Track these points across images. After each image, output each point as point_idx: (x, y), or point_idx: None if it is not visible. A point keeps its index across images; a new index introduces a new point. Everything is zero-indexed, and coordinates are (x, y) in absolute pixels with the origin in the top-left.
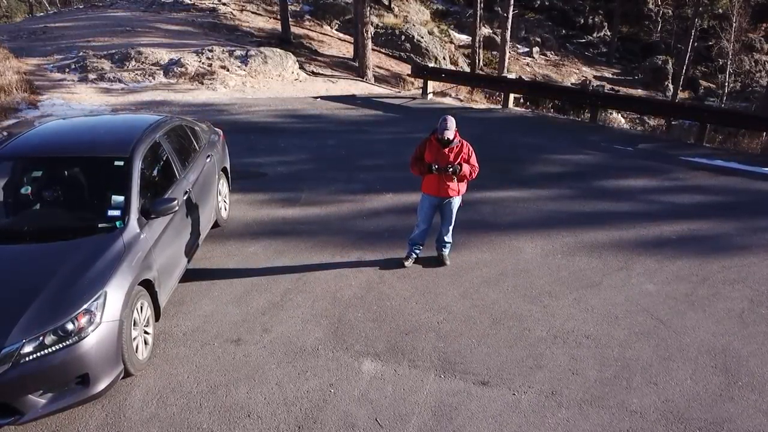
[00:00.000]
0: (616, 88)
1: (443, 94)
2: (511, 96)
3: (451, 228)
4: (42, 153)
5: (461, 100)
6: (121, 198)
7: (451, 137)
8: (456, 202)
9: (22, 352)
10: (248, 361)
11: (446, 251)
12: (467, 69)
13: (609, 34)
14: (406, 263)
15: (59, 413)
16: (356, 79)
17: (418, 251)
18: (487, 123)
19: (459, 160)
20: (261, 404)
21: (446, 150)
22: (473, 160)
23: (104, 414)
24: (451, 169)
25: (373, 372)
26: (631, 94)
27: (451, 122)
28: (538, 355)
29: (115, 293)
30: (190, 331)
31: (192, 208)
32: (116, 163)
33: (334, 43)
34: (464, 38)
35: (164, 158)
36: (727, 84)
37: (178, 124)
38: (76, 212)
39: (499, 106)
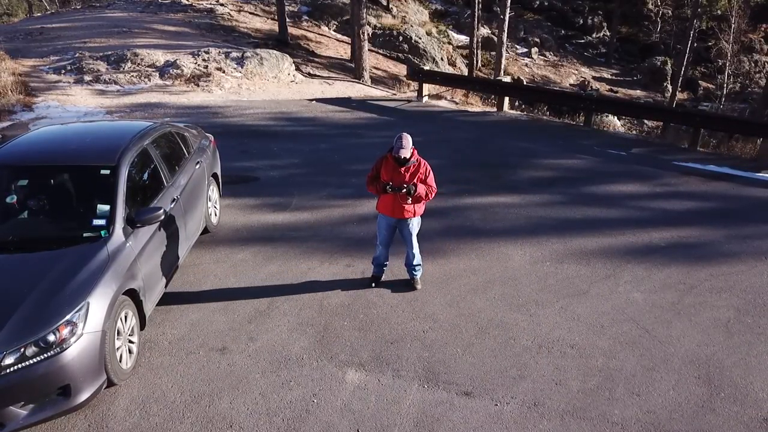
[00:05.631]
0: (615, 89)
1: (439, 96)
2: (506, 99)
3: (416, 251)
4: (28, 162)
5: (456, 103)
6: (106, 207)
7: (408, 156)
8: (413, 223)
9: (3, 363)
10: (233, 371)
11: (417, 275)
12: (465, 70)
13: (608, 34)
14: (372, 285)
15: (41, 424)
16: (353, 81)
17: (383, 269)
18: (481, 126)
19: (415, 179)
20: (243, 415)
21: (402, 169)
22: (430, 180)
23: (87, 424)
24: (405, 190)
25: (357, 382)
26: (625, 98)
27: (407, 140)
28: (522, 365)
29: (97, 304)
30: (176, 339)
31: (180, 216)
32: (102, 171)
33: (332, 44)
34: (463, 39)
35: (152, 166)
36: (725, 85)
37: (167, 131)
38: (61, 221)
39: (494, 109)
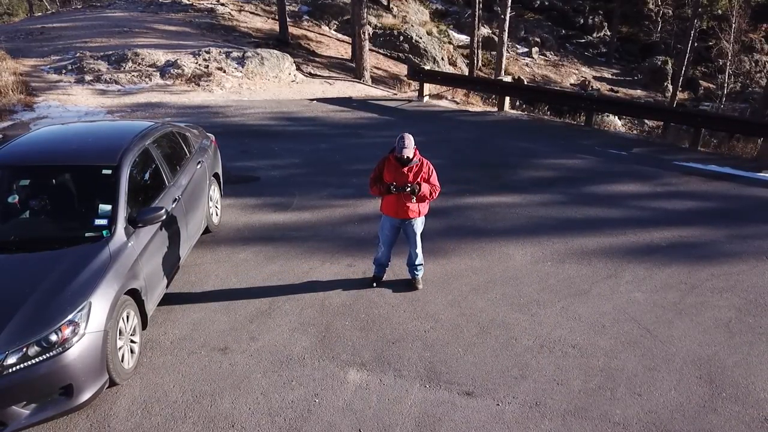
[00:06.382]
0: (615, 88)
1: (439, 96)
2: (507, 98)
3: (419, 251)
4: (29, 162)
5: (457, 103)
6: (108, 207)
7: (410, 156)
8: (417, 223)
9: (5, 363)
10: (234, 370)
11: (419, 274)
12: (466, 69)
13: (608, 34)
14: (374, 285)
15: (43, 424)
16: (353, 81)
17: (384, 269)
18: (482, 126)
19: (419, 179)
20: (245, 414)
21: (405, 169)
22: (434, 179)
23: (89, 424)
24: (409, 189)
25: (359, 382)
26: (625, 98)
27: (410, 140)
28: (523, 364)
29: (99, 304)
30: (178, 339)
31: (181, 216)
32: (104, 171)
33: (332, 43)
34: (463, 38)
35: (153, 166)
36: (726, 85)
37: (168, 131)
38: (62, 221)
39: (495, 109)
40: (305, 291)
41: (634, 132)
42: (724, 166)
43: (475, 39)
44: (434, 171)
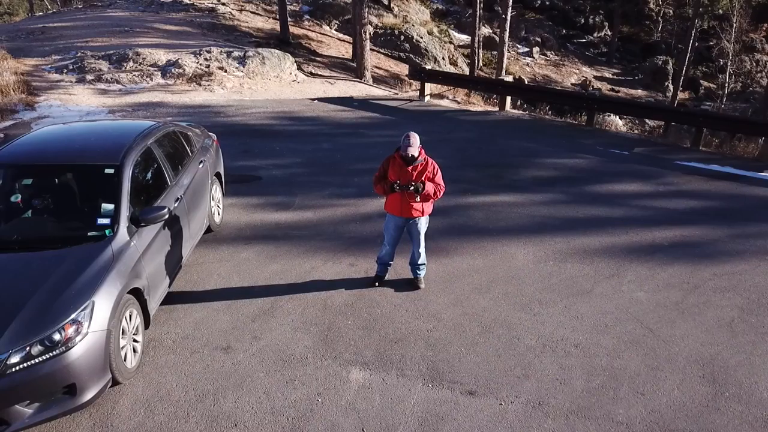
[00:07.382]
0: (616, 88)
1: (440, 96)
2: (508, 98)
3: (421, 250)
4: (32, 161)
5: (458, 102)
6: (110, 206)
7: (415, 154)
8: (422, 222)
9: (8, 362)
10: (237, 370)
11: (421, 274)
12: (467, 69)
13: (609, 34)
14: (376, 284)
15: (46, 423)
16: (354, 81)
17: (387, 268)
18: (483, 126)
19: (423, 178)
20: (248, 413)
21: (410, 168)
22: (438, 178)
23: (92, 423)
24: (412, 188)
25: (361, 381)
26: (626, 97)
27: (415, 139)
28: (526, 364)
29: (102, 303)
30: (180, 338)
31: (183, 215)
32: (106, 171)
33: (333, 43)
34: (464, 38)
35: (155, 165)
36: (727, 85)
37: (170, 131)
38: (65, 221)
39: (496, 109)
40: (307, 290)
41: (636, 132)
42: (726, 166)
43: (476, 39)
44: (439, 170)
